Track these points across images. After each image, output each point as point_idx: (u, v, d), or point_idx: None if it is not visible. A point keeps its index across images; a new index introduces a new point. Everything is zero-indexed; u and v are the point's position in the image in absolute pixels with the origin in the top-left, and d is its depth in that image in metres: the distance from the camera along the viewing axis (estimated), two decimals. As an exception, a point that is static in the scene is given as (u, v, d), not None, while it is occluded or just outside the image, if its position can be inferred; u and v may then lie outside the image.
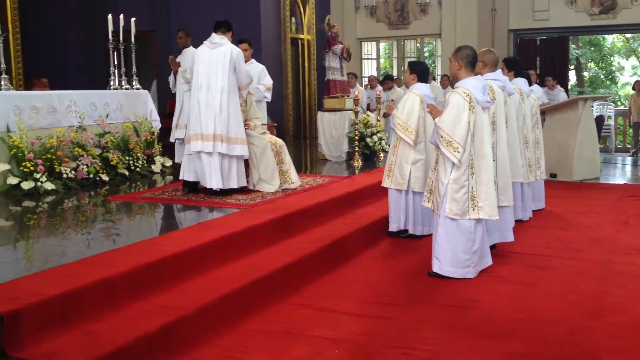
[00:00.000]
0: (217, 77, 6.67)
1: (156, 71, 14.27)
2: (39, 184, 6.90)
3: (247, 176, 7.03)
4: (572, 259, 5.76)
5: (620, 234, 6.74)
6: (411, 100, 6.31)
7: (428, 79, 6.70)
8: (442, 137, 5.07)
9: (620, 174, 11.61)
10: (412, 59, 17.72)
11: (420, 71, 6.53)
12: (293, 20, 15.08)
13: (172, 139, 8.85)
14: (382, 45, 18.75)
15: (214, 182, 6.66)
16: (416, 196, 6.27)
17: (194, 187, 6.90)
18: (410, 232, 6.41)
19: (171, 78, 9.09)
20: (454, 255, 5.14)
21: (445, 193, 5.11)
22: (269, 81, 8.72)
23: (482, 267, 5.30)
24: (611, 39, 24.71)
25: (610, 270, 5.44)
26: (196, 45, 7.24)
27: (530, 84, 7.76)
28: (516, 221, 6.58)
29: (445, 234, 5.15)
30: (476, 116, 5.11)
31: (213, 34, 6.86)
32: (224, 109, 6.64)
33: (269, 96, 8.80)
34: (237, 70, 6.75)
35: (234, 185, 6.77)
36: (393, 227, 6.44)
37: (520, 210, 7.14)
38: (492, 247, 5.77)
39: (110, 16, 9.05)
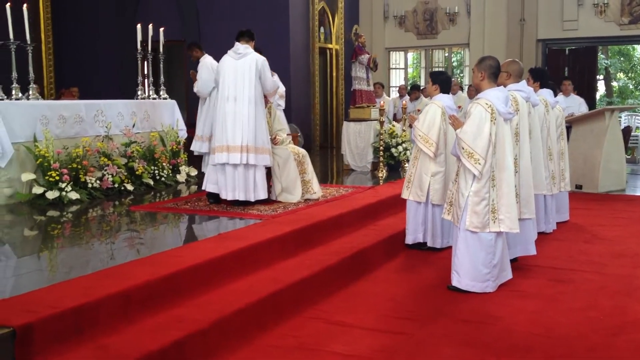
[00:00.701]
0: (244, 88, 6.71)
1: (185, 80, 14.44)
2: (63, 193, 7.01)
3: (270, 187, 7.06)
4: (595, 273, 5.67)
5: (644, 248, 6.63)
6: (432, 111, 6.27)
7: (450, 89, 6.65)
8: (463, 148, 5.03)
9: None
10: (441, 69, 17.66)
11: (442, 81, 6.48)
12: (322, 30, 15.14)
13: (193, 148, 8.81)
14: (410, 54, 18.71)
15: (237, 193, 6.70)
16: (435, 208, 6.23)
17: (218, 198, 6.94)
18: (429, 244, 6.37)
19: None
20: (474, 269, 5.09)
21: (466, 205, 5.07)
22: (281, 88, 8.74)
23: (502, 281, 5.24)
24: (641, 49, 24.34)
25: (633, 285, 5.35)
26: (218, 56, 7.26)
27: (555, 94, 7.67)
28: (539, 233, 6.51)
29: (465, 247, 5.10)
30: (498, 128, 5.07)
31: (237, 44, 6.89)
32: (251, 120, 6.68)
33: (282, 104, 8.84)
34: (262, 78, 6.79)
35: (258, 197, 6.79)
36: (409, 239, 6.41)
37: (544, 222, 7.06)
38: (514, 260, 5.72)
39: (139, 26, 9.17)
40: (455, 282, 5.16)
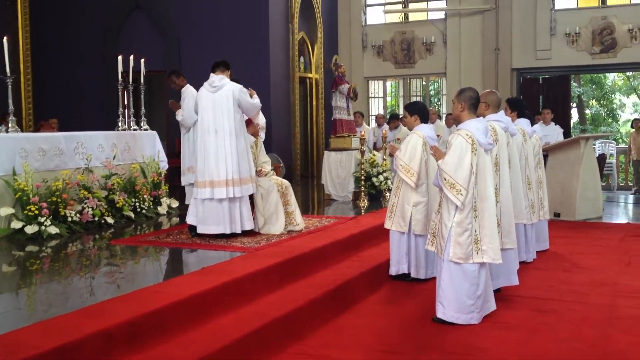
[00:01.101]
0: (223, 121, 6.70)
1: (166, 110, 14.42)
2: (43, 227, 6.92)
3: (253, 218, 7.05)
4: (577, 303, 5.72)
5: (623, 275, 6.72)
6: (414, 141, 6.32)
7: (428, 117, 6.70)
8: (445, 179, 5.07)
9: (623, 213, 11.58)
10: (418, 98, 17.87)
11: (420, 110, 6.52)
12: (302, 59, 15.25)
13: (183, 183, 8.64)
14: (388, 83, 18.91)
15: (223, 227, 6.68)
16: (418, 239, 6.26)
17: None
18: (413, 275, 6.38)
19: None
20: (458, 301, 5.10)
21: (449, 236, 5.10)
22: (262, 120, 8.72)
23: (486, 312, 5.25)
24: (612, 77, 24.86)
25: (615, 315, 5.39)
26: (198, 86, 7.24)
27: (532, 124, 7.79)
28: (520, 263, 6.54)
29: (449, 279, 5.12)
30: (479, 158, 5.12)
31: (212, 75, 6.87)
32: (234, 152, 6.68)
33: (262, 135, 8.81)
34: (242, 105, 6.80)
35: (244, 227, 6.79)
36: (393, 270, 6.42)
37: (524, 251, 7.11)
38: (497, 291, 5.74)
39: (120, 57, 9.16)
40: (440, 314, 5.16)
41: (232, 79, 6.99)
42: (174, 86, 8.64)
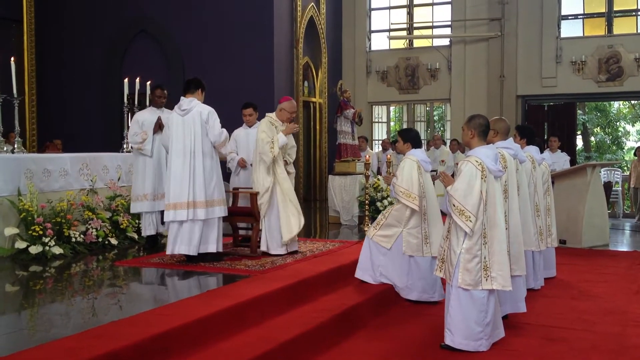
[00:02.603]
0: (191, 143, 6.61)
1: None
2: (47, 248, 6.88)
3: (258, 241, 7.02)
4: (585, 331, 5.63)
5: (632, 304, 6.63)
6: (409, 166, 6.39)
7: (420, 144, 6.80)
8: (454, 205, 5.03)
9: (629, 241, 11.49)
10: (422, 123, 17.90)
11: (413, 138, 6.64)
12: (306, 83, 15.31)
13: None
14: (392, 108, 18.95)
15: (183, 247, 6.56)
16: (411, 260, 6.39)
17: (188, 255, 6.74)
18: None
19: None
20: (467, 327, 5.02)
21: (458, 263, 5.04)
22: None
23: (495, 340, 5.17)
24: (617, 105, 24.91)
25: (625, 344, 5.30)
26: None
27: (541, 151, 7.76)
28: (528, 290, 6.47)
29: (458, 305, 5.05)
30: (488, 185, 5.09)
31: (182, 99, 6.76)
32: (199, 174, 6.59)
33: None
34: (209, 128, 6.65)
35: (206, 249, 6.67)
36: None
37: (532, 278, 7.04)
38: (505, 318, 5.66)
39: (126, 80, 9.21)
40: (448, 341, 5.09)
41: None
42: (158, 100, 8.01)
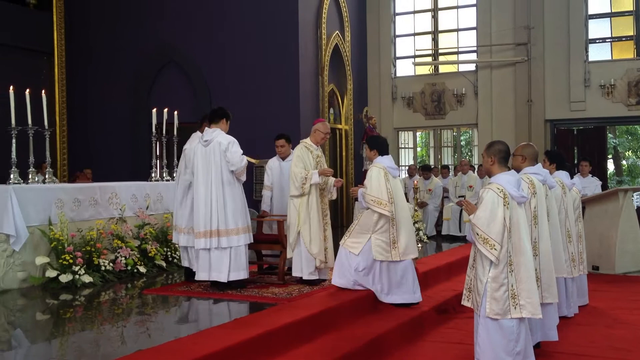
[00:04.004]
0: (214, 173, 6.71)
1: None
2: (77, 276, 6.96)
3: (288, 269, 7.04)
4: (619, 361, 5.51)
5: (668, 333, 6.47)
6: (376, 174, 6.64)
7: (387, 151, 6.96)
8: (477, 234, 4.96)
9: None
10: (449, 148, 17.84)
11: (379, 145, 6.88)
12: (331, 110, 15.37)
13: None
14: (418, 134, 18.92)
15: (212, 275, 6.66)
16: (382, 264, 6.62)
17: (216, 282, 6.76)
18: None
19: None
20: (496, 357, 4.91)
21: (485, 292, 4.95)
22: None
23: (526, 370, 5.07)
24: (648, 128, 24.61)
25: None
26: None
27: (571, 176, 7.67)
28: (560, 318, 6.36)
29: (486, 335, 4.95)
30: (512, 211, 5.01)
31: (206, 130, 6.90)
32: (221, 203, 6.66)
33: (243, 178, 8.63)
34: (228, 157, 6.71)
35: (237, 277, 6.69)
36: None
37: (565, 306, 6.90)
38: (536, 347, 5.55)
39: (154, 110, 9.36)
40: (477, 371, 5.00)
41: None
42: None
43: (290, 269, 7.25)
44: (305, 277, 7.01)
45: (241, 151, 6.78)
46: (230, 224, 6.68)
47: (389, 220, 6.55)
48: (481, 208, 5.01)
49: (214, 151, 6.73)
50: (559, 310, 6.31)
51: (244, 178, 6.89)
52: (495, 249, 4.89)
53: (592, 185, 11.14)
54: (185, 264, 7.25)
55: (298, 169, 7.02)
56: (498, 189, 5.00)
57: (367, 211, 6.63)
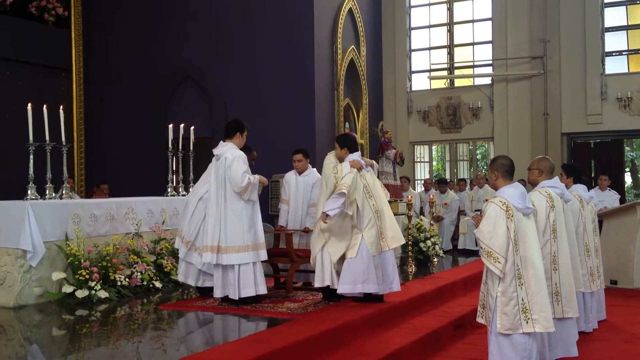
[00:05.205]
0: (218, 188, 6.71)
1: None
2: (93, 292, 6.98)
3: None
4: (641, 377, 5.42)
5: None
6: (347, 169, 6.74)
7: (357, 148, 7.10)
8: (482, 247, 4.92)
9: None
10: (465, 162, 17.78)
11: (349, 142, 7.02)
12: (347, 125, 15.38)
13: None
14: (434, 148, 18.88)
15: (226, 291, 6.66)
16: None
17: (226, 297, 6.74)
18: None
19: None
20: (510, 375, 4.86)
21: (495, 307, 4.89)
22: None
23: (544, 385, 5.00)
24: (666, 141, 24.36)
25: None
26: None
27: (588, 189, 7.60)
28: (579, 333, 6.28)
29: (498, 352, 4.87)
30: (517, 224, 4.95)
31: (220, 143, 6.91)
32: (229, 218, 6.62)
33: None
34: (228, 173, 6.63)
35: (252, 292, 6.63)
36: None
37: (583, 321, 6.82)
38: (556, 363, 5.50)
39: (170, 126, 9.43)
40: (492, 389, 4.93)
41: (244, 148, 6.94)
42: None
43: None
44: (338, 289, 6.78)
45: (244, 169, 6.62)
46: (229, 241, 6.61)
47: (373, 214, 6.69)
48: (484, 222, 4.98)
49: (222, 166, 6.74)
50: (577, 326, 6.23)
51: (253, 198, 6.69)
52: (499, 262, 4.83)
53: (610, 199, 11.06)
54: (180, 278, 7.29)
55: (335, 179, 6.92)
56: (501, 202, 4.97)
57: (337, 217, 6.61)
